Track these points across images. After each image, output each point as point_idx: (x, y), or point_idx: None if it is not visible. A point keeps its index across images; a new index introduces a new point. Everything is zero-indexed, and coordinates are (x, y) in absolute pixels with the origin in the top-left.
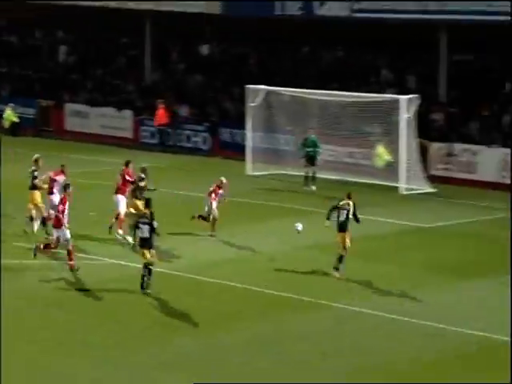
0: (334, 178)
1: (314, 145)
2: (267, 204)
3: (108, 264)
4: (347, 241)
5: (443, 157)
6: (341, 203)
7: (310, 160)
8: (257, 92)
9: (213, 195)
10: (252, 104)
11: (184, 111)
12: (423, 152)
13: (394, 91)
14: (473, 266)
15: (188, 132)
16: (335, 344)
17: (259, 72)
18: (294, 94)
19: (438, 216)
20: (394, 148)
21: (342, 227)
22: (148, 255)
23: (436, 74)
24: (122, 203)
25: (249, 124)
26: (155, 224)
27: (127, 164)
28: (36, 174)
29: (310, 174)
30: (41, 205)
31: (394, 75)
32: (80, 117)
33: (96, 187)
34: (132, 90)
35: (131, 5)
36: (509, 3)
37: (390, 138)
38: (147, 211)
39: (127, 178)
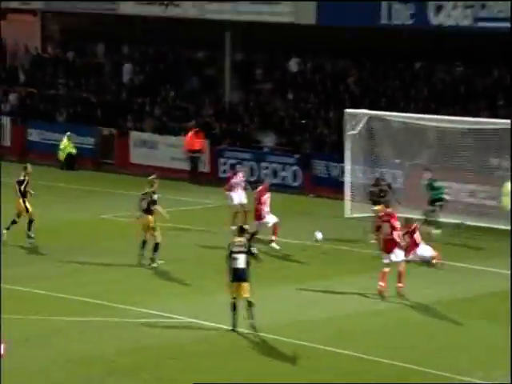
0: (452, 221)
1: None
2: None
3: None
4: None
5: None
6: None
7: (434, 202)
8: (357, 117)
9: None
10: (352, 132)
11: (269, 140)
12: None
13: None
14: None
15: (274, 165)
16: None
17: (360, 92)
18: (403, 119)
19: None
20: None
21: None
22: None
23: None
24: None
25: (348, 155)
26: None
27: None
28: (156, 197)
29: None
30: (157, 232)
31: None
32: (147, 147)
33: (170, 233)
34: (208, 115)
35: (210, 15)
36: None
37: None
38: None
39: None
